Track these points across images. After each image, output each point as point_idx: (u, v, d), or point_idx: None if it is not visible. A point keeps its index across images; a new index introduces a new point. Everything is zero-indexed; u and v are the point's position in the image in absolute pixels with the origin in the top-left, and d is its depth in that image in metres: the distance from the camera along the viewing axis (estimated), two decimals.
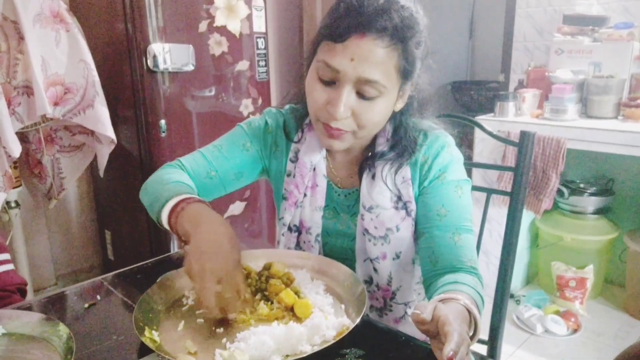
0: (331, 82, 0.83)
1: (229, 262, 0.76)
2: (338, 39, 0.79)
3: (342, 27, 0.79)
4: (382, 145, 0.94)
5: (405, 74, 0.84)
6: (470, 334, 0.73)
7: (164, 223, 0.86)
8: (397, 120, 0.93)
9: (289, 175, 1.01)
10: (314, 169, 0.99)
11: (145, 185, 0.98)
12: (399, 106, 0.91)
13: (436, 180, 0.92)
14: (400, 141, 0.93)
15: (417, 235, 0.96)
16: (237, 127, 1.05)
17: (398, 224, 0.95)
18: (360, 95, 0.82)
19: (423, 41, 0.86)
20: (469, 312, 0.73)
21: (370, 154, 0.96)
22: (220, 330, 0.77)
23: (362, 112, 0.83)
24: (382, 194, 0.94)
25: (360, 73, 0.79)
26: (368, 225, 0.96)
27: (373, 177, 0.95)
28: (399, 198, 0.94)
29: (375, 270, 0.98)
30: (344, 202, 1.01)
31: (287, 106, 1.06)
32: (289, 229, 1.03)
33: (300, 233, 1.03)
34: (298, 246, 1.04)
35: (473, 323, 0.73)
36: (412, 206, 0.94)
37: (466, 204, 0.92)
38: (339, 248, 1.02)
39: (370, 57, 0.78)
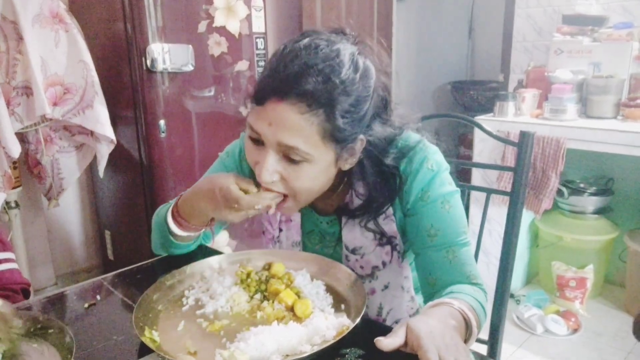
0: (260, 143, 0.79)
1: (215, 179, 0.83)
2: (259, 102, 0.76)
3: (262, 90, 0.76)
4: (358, 206, 0.89)
5: (337, 140, 0.77)
6: (467, 336, 0.73)
7: (171, 225, 0.93)
8: (360, 175, 0.86)
9: None
10: None
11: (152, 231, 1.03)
12: (348, 165, 0.84)
13: (419, 200, 0.86)
14: (372, 197, 0.87)
15: (413, 253, 0.93)
16: (218, 158, 1.06)
17: (384, 260, 0.93)
18: (287, 159, 0.78)
19: (367, 101, 0.79)
20: (462, 314, 0.73)
21: (343, 193, 0.92)
22: (221, 331, 0.77)
23: (291, 177, 0.79)
24: (364, 236, 0.91)
25: (279, 138, 0.75)
26: (353, 266, 0.94)
27: (353, 217, 0.91)
28: (382, 235, 0.91)
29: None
30: (328, 229, 0.98)
31: None
32: None
33: None
34: None
35: (469, 327, 0.73)
36: (397, 240, 0.92)
37: (457, 216, 0.87)
38: None
39: (286, 122, 0.74)
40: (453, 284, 0.84)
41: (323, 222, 0.98)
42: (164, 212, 0.97)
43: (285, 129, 0.74)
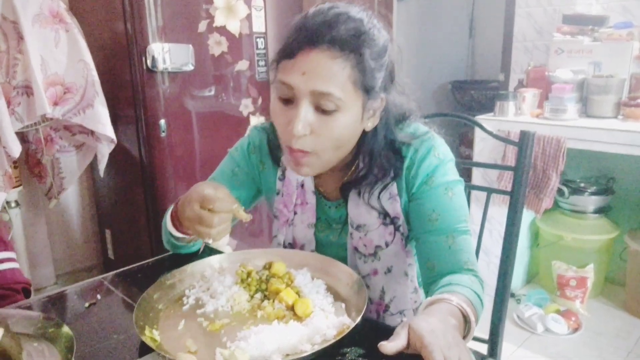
0: (290, 101, 0.82)
1: (202, 188, 0.81)
2: (290, 56, 0.79)
3: (292, 43, 0.80)
4: (362, 168, 0.92)
5: (365, 88, 0.81)
6: (465, 332, 0.73)
7: (169, 226, 0.94)
8: (371, 141, 0.89)
9: (278, 193, 1.02)
10: (302, 185, 0.99)
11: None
12: (370, 125, 0.87)
13: (424, 185, 0.90)
14: (377, 161, 0.90)
15: (407, 240, 0.95)
16: (227, 154, 1.07)
17: (387, 241, 0.94)
18: (319, 110, 0.80)
19: (385, 56, 0.83)
20: (461, 311, 0.73)
21: (352, 172, 0.94)
22: (222, 330, 0.77)
23: (322, 128, 0.81)
24: (369, 213, 0.93)
25: (312, 86, 0.78)
26: (357, 244, 0.96)
27: (359, 194, 0.94)
28: (386, 215, 0.93)
29: (367, 286, 0.97)
30: (335, 213, 1.00)
31: (268, 122, 1.06)
32: (284, 247, 1.04)
33: None
34: None
35: (468, 322, 0.74)
36: (400, 221, 0.93)
37: (459, 205, 0.89)
38: (333, 259, 1.02)
39: (320, 69, 0.78)
40: (451, 269, 0.86)
41: (331, 207, 1.00)
42: (167, 212, 0.98)
43: (319, 75, 0.77)
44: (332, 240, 1.01)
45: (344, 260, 0.99)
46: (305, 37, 0.78)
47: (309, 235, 1.00)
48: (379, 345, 0.64)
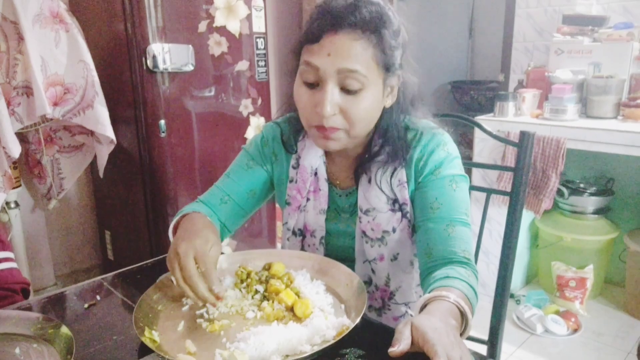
0: (315, 83, 0.86)
1: (200, 241, 0.81)
2: (315, 40, 0.84)
3: (317, 27, 0.84)
4: (376, 146, 0.96)
5: (385, 65, 0.87)
6: (462, 329, 0.74)
7: (170, 238, 0.95)
8: (387, 119, 0.94)
9: (291, 181, 1.04)
10: (315, 173, 1.02)
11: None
12: (389, 102, 0.93)
13: (431, 175, 0.94)
14: (391, 139, 0.94)
15: (414, 229, 0.97)
16: (241, 150, 1.11)
17: (394, 226, 0.96)
18: (345, 90, 0.85)
19: (400, 35, 0.88)
20: (459, 308, 0.74)
21: (366, 155, 0.97)
22: (221, 331, 0.77)
23: (349, 107, 0.85)
24: (378, 197, 0.96)
25: (338, 65, 0.83)
26: (365, 228, 0.98)
27: (369, 180, 0.97)
28: (395, 201, 0.96)
29: (373, 271, 1.00)
30: (344, 202, 1.03)
31: (281, 118, 1.09)
32: (293, 233, 1.06)
33: (304, 237, 1.05)
34: (303, 249, 1.07)
35: (464, 318, 0.74)
36: (408, 208, 0.96)
37: (461, 198, 0.92)
38: (341, 247, 1.04)
39: (345, 50, 0.82)
40: (447, 256, 0.87)
41: (342, 195, 1.02)
42: (172, 222, 0.99)
43: (344, 55, 0.83)
44: (340, 229, 1.03)
45: (351, 248, 1.01)
46: (330, 21, 0.83)
47: (320, 221, 1.03)
48: (389, 351, 0.64)
